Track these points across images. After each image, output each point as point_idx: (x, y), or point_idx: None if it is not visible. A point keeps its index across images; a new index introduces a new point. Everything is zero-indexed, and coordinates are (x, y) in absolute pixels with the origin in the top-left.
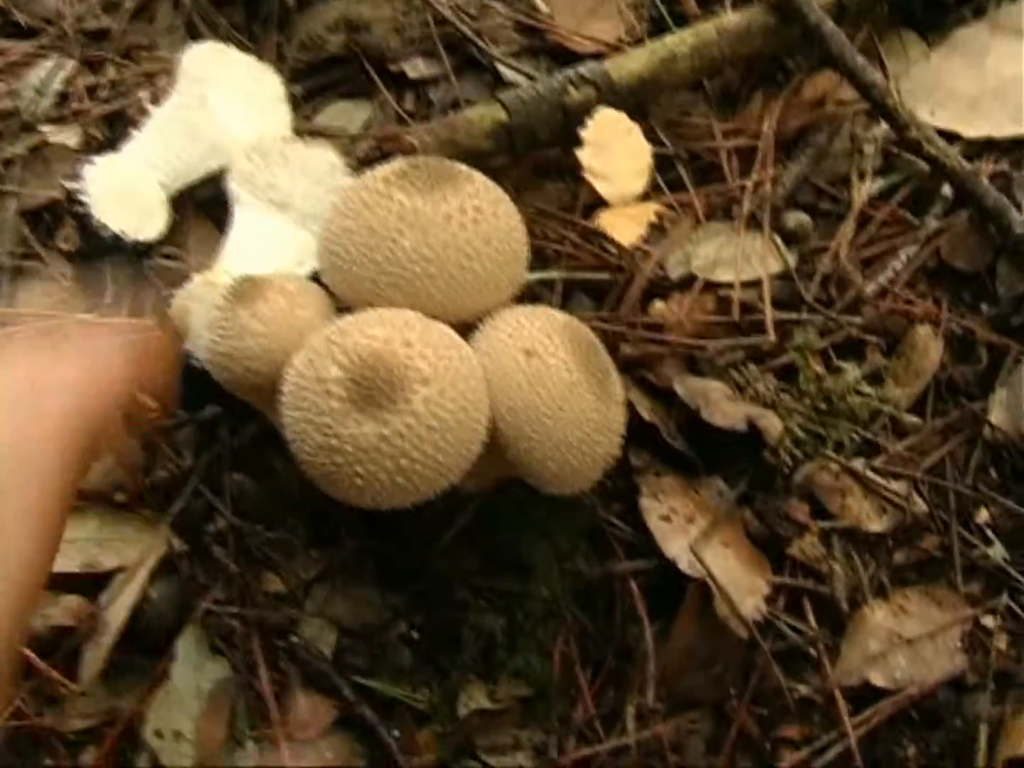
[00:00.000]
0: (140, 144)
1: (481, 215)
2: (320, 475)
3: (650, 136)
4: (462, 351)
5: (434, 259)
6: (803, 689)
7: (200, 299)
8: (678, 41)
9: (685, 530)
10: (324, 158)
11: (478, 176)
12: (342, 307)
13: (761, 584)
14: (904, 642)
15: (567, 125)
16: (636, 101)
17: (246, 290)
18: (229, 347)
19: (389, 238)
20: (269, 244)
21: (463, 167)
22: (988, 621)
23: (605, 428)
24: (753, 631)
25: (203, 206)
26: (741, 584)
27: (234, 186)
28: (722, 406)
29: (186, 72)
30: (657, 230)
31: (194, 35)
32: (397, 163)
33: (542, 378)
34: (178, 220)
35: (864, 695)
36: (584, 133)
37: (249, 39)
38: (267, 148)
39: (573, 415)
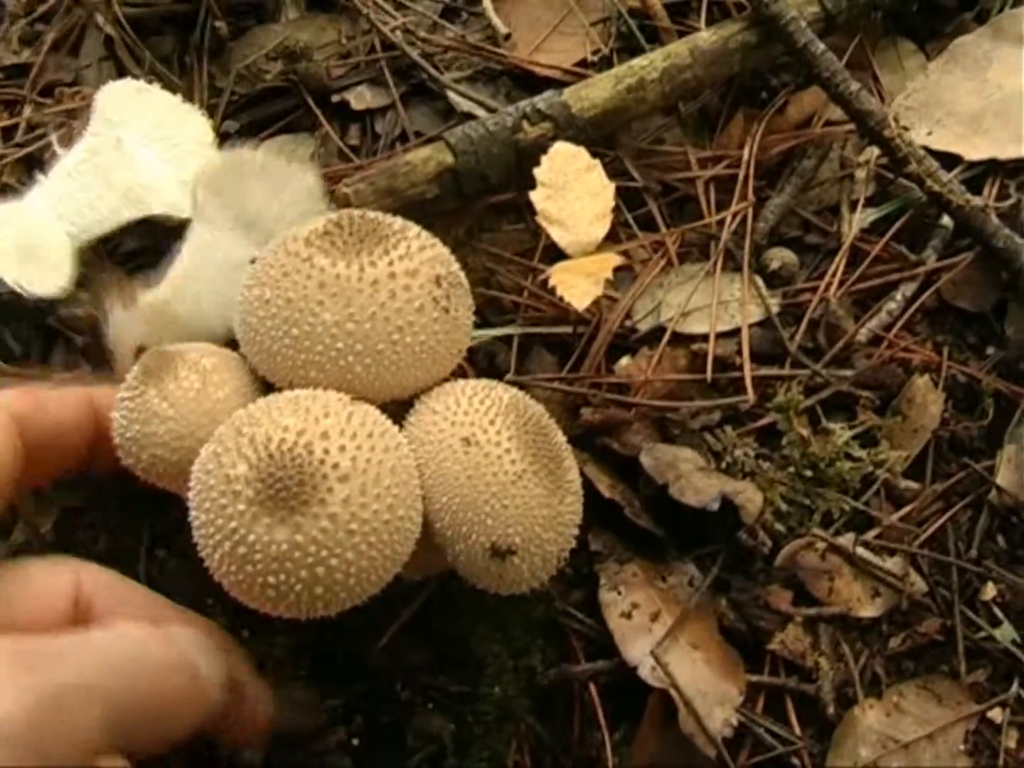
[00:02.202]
0: (46, 191)
1: (413, 279)
2: (230, 583)
3: (617, 168)
4: (389, 440)
5: (358, 334)
6: None
7: (138, 321)
8: (646, 65)
9: (648, 629)
10: (303, 180)
11: (413, 231)
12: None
13: (733, 693)
14: (899, 747)
15: (522, 165)
16: (599, 133)
17: (156, 366)
18: (135, 432)
19: (308, 311)
20: (227, 266)
21: (396, 221)
22: (995, 715)
23: (555, 523)
24: (721, 750)
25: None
26: (710, 694)
27: (200, 195)
28: (693, 481)
29: (101, 112)
30: (625, 272)
31: (121, 70)
32: (320, 221)
33: (481, 470)
34: (88, 273)
35: None
36: (538, 172)
37: (180, 72)
38: (243, 159)
39: (517, 512)
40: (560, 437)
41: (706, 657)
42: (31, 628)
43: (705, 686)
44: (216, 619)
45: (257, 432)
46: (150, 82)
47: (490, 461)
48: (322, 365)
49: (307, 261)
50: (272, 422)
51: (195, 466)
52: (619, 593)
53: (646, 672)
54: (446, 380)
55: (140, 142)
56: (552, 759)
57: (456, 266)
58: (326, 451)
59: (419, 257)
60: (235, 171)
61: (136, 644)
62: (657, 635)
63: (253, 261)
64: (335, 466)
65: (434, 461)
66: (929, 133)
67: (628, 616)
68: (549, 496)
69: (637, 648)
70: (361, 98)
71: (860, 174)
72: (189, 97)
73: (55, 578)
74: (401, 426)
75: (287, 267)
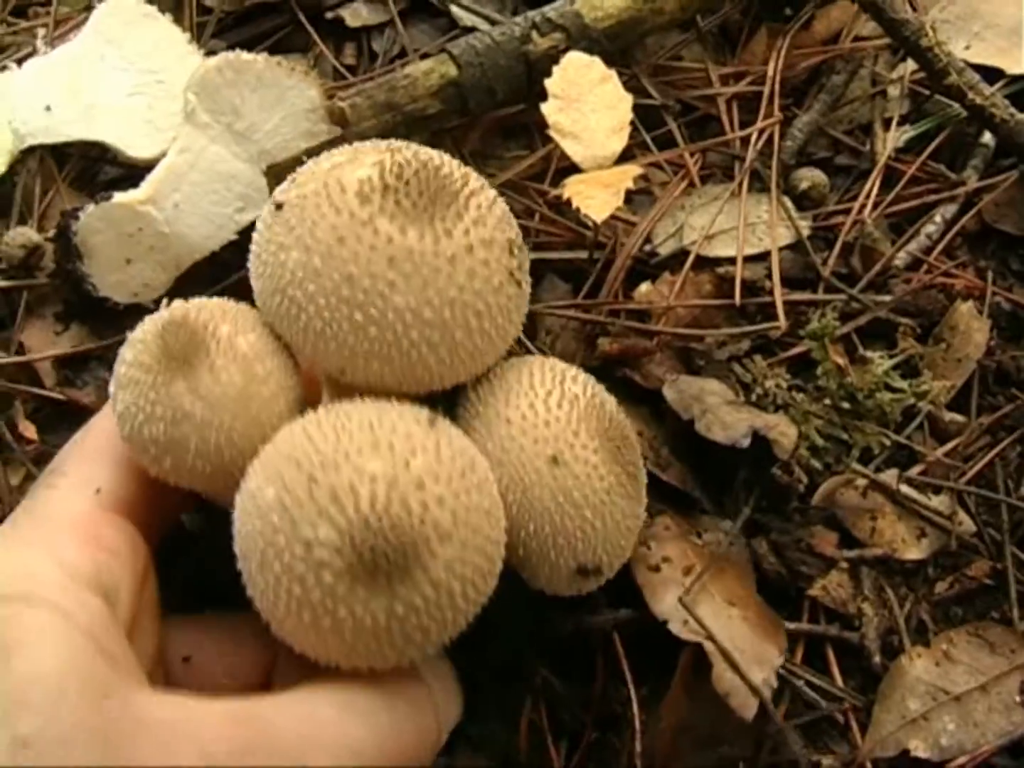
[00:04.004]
0: (11, 82)
1: (490, 252)
2: (305, 647)
3: (633, 85)
4: (480, 473)
5: (436, 322)
6: (828, 762)
7: (113, 222)
8: None
9: (680, 583)
10: (305, 95)
11: (476, 180)
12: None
13: (773, 653)
14: (951, 699)
15: (531, 79)
16: (615, 47)
17: (182, 348)
18: (158, 433)
19: (376, 292)
20: (213, 176)
21: (453, 165)
22: None
23: (636, 530)
24: (768, 705)
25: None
26: (747, 651)
27: (192, 97)
28: (721, 415)
29: (95, 24)
30: (644, 196)
31: None
32: (369, 164)
33: (572, 494)
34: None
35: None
36: (550, 84)
37: None
38: (241, 65)
39: (605, 530)
40: (630, 430)
41: (743, 614)
42: None
43: (743, 643)
44: None
45: (338, 483)
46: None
47: (580, 483)
48: (389, 356)
49: (368, 226)
50: (352, 467)
51: (247, 506)
52: (648, 548)
53: (677, 626)
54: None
55: (121, 65)
56: (571, 716)
57: (511, 217)
58: (424, 506)
59: (491, 219)
60: (231, 77)
61: None
62: (690, 590)
63: (280, 207)
64: (435, 525)
65: (519, 486)
66: (967, 47)
67: (657, 569)
68: (632, 505)
69: (667, 601)
70: (357, 14)
71: (893, 91)
72: (178, 15)
73: None
74: (454, 417)
75: (341, 230)
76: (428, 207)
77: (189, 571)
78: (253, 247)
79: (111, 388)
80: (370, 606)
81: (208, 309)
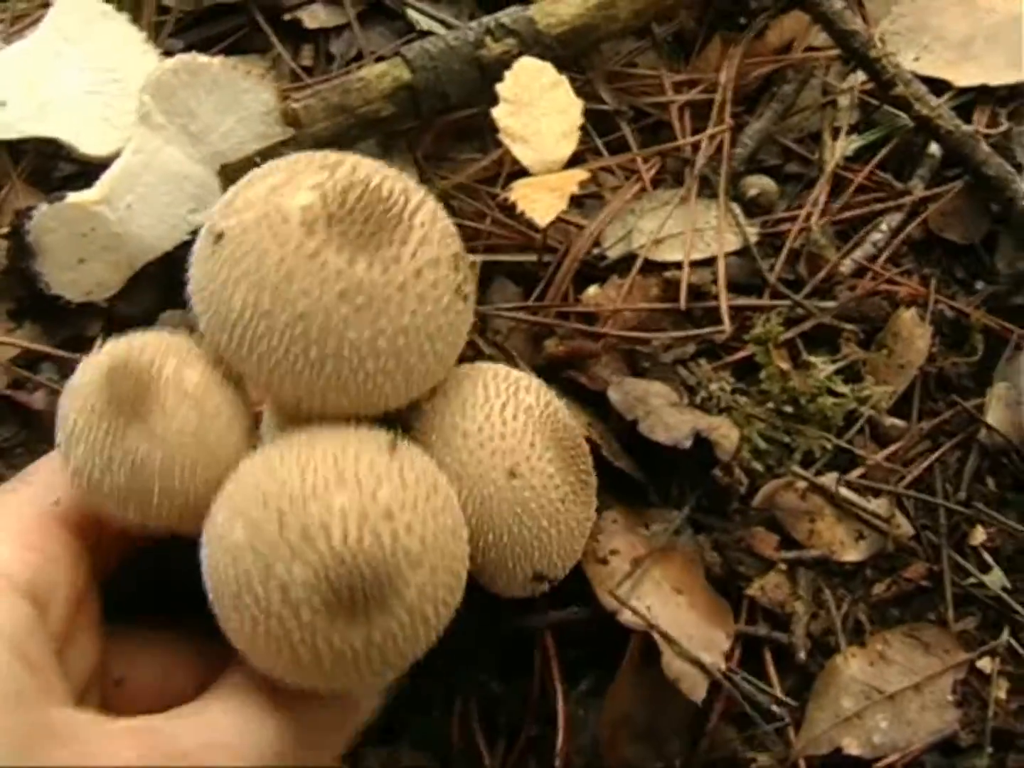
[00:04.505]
0: None
1: (437, 271)
2: (282, 675)
3: (587, 92)
4: (441, 493)
5: (391, 351)
6: (763, 759)
7: (66, 221)
8: None
9: (628, 574)
10: (260, 98)
11: (414, 193)
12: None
13: (721, 638)
14: (884, 698)
15: (485, 83)
16: (568, 53)
17: (130, 394)
18: (117, 484)
19: (330, 329)
20: (167, 177)
21: (395, 183)
22: (985, 665)
23: (587, 531)
24: (723, 683)
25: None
26: (695, 638)
27: (147, 99)
28: (664, 417)
29: (53, 20)
30: (595, 200)
31: None
32: (308, 190)
33: (529, 505)
34: None
35: (836, 765)
36: (501, 88)
37: None
38: (199, 67)
39: (561, 536)
40: (581, 436)
41: (690, 601)
42: None
43: (690, 629)
44: None
45: (307, 521)
46: None
47: (536, 494)
48: (345, 388)
49: (316, 259)
50: (321, 503)
51: (215, 547)
52: (597, 541)
53: (625, 616)
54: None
55: (77, 63)
56: (508, 713)
57: (453, 228)
58: (394, 536)
59: (435, 235)
60: (187, 79)
61: None
62: (637, 580)
63: (219, 238)
64: (406, 553)
65: (478, 499)
66: (916, 59)
67: (605, 562)
68: (586, 509)
69: (615, 593)
70: (315, 16)
71: (843, 101)
72: (136, 14)
73: None
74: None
75: (288, 264)
76: (375, 233)
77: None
78: (194, 277)
79: (59, 439)
80: (348, 637)
81: (151, 347)
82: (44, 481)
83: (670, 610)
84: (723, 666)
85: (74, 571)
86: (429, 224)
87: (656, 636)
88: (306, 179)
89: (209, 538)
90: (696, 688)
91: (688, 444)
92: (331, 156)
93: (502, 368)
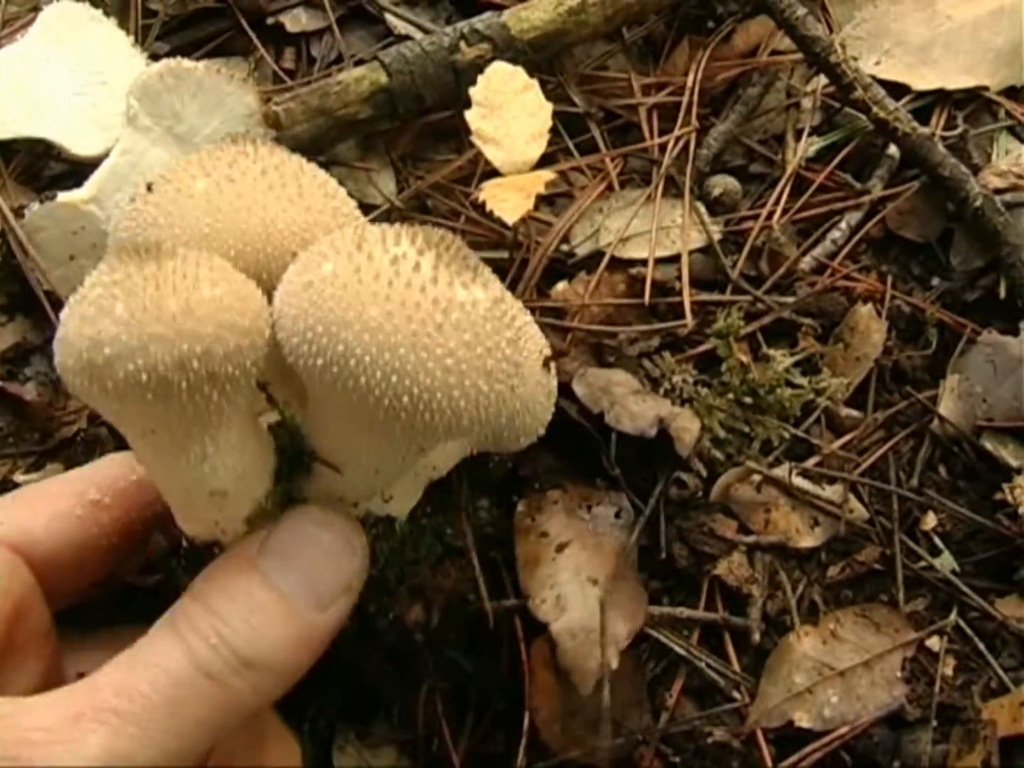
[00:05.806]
0: None
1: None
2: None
3: (559, 94)
4: None
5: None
6: (719, 733)
7: (57, 220)
8: None
9: (552, 559)
10: (242, 100)
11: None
12: None
13: (622, 634)
14: (835, 674)
15: (459, 86)
16: (540, 57)
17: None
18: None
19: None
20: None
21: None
22: (933, 643)
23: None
24: (605, 683)
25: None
26: (595, 631)
27: (134, 102)
28: (628, 405)
29: (43, 25)
30: (565, 199)
31: None
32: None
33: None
34: None
35: (789, 737)
36: (474, 92)
37: None
38: (183, 71)
39: None
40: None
41: (603, 593)
42: None
43: (592, 622)
44: None
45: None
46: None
47: None
48: None
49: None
50: None
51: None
52: (532, 519)
53: (534, 604)
54: None
55: (67, 66)
56: (477, 689)
57: None
58: None
59: None
60: (172, 83)
61: None
62: (559, 566)
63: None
64: None
65: None
66: (877, 63)
67: (535, 544)
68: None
69: (535, 579)
70: (296, 20)
71: (806, 103)
72: (123, 18)
73: None
74: None
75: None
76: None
77: None
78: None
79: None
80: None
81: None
82: (4, 502)
83: (578, 602)
84: (615, 664)
85: (7, 585)
86: None
87: (553, 629)
88: None
89: (291, 287)
90: (585, 682)
91: (653, 432)
92: None
93: None
